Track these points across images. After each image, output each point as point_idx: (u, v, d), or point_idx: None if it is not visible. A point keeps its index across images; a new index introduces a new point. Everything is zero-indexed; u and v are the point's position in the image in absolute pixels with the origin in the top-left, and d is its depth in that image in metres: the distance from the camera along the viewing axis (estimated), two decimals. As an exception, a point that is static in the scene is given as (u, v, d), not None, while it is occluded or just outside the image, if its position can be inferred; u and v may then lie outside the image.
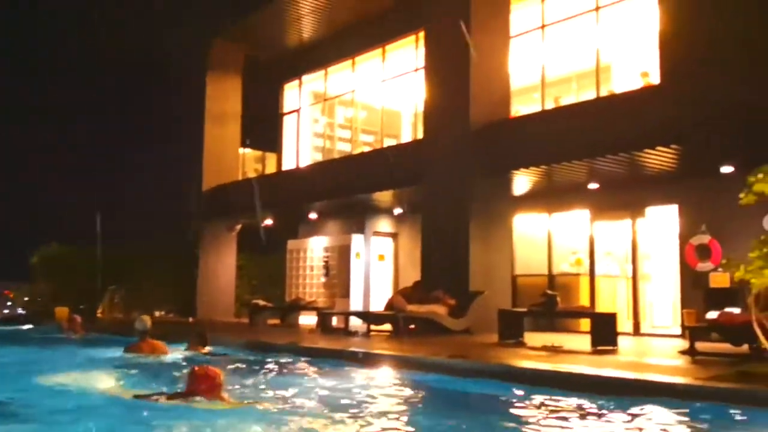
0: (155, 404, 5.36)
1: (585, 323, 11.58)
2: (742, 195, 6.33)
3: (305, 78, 20.91)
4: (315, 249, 19.30)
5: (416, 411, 5.89)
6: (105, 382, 6.93)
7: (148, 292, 21.47)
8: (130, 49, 22.33)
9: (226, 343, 10.89)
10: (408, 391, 6.91)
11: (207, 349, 9.96)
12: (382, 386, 7.16)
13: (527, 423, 5.24)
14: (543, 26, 14.23)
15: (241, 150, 21.92)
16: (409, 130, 19.49)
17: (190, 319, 18.69)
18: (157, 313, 21.09)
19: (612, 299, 14.01)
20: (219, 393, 5.36)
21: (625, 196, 13.62)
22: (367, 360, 8.47)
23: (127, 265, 21.06)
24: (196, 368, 5.50)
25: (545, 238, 14.99)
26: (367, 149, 18.95)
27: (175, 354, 9.46)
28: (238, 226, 20.73)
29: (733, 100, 9.90)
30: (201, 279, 20.16)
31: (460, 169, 13.42)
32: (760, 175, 6.21)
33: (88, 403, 5.79)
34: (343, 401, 6.11)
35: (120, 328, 13.59)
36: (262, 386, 7.11)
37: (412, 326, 12.65)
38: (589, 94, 13.72)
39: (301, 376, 7.83)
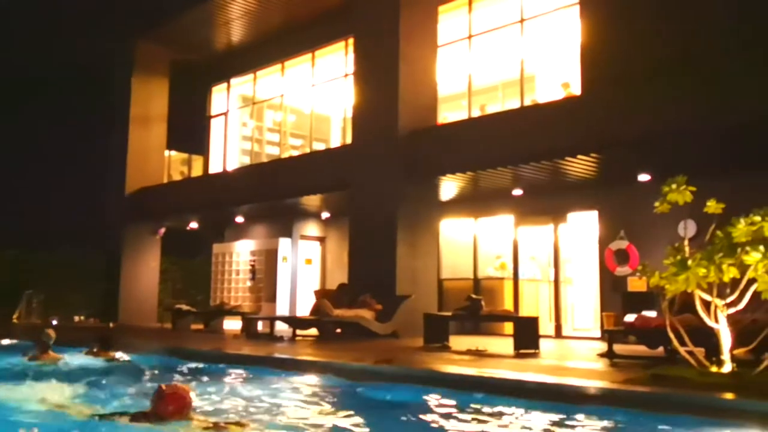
0: (119, 425, 4.90)
1: (509, 326, 11.83)
2: (657, 204, 6.58)
3: (234, 81, 20.67)
4: (241, 253, 19.04)
5: (339, 417, 5.88)
6: (31, 393, 6.56)
7: (68, 296, 20.74)
8: (52, 52, 21.51)
9: (144, 349, 10.60)
10: (332, 398, 6.88)
11: (112, 354, 9.66)
12: (307, 393, 7.11)
13: (448, 428, 5.29)
14: (470, 36, 14.50)
15: (167, 152, 21.45)
16: (338, 134, 19.49)
17: (111, 325, 18.13)
18: (77, 318, 20.41)
19: (535, 302, 14.35)
20: (188, 413, 4.95)
21: (547, 202, 13.98)
22: (292, 366, 8.40)
23: (47, 268, 20.29)
24: (164, 386, 4.99)
25: (471, 242, 15.25)
26: (295, 153, 18.85)
27: (76, 359, 9.18)
28: (162, 230, 20.27)
29: (650, 111, 10.29)
30: (123, 283, 19.61)
31: (387, 174, 13.49)
32: (674, 186, 6.45)
33: (32, 421, 5.34)
34: (265, 409, 6.04)
35: (34, 334, 13.06)
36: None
37: (339, 330, 12.63)
38: (514, 103, 14.04)
39: (222, 383, 7.68)
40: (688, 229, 9.18)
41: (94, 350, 9.68)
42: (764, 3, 10.51)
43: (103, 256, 20.35)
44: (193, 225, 20.44)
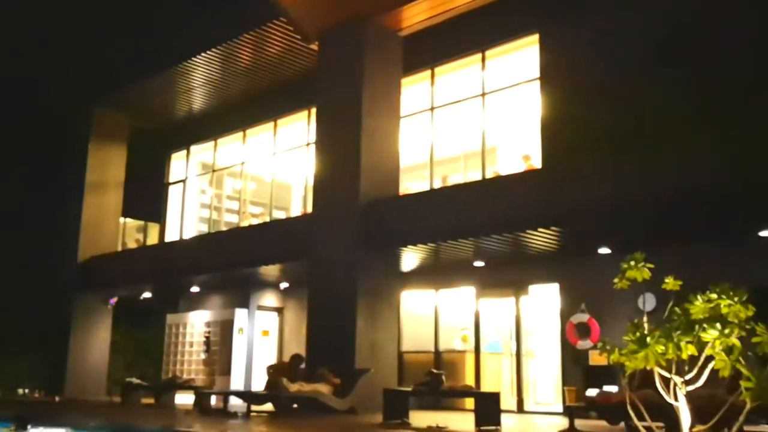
0: None
1: (470, 401, 11.53)
2: (616, 280, 6.51)
3: (194, 148, 20.52)
4: (196, 324, 18.50)
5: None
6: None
7: (12, 367, 19.78)
8: (8, 111, 21.15)
9: (83, 426, 10.01)
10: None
11: None
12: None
13: None
14: (432, 108, 14.64)
15: (122, 219, 21.01)
16: (299, 202, 19.36)
17: (57, 398, 17.30)
18: (20, 391, 19.45)
19: (497, 376, 14.08)
20: None
21: (509, 274, 13.89)
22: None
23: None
24: None
25: (432, 315, 15.02)
26: (255, 221, 18.61)
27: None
28: (114, 299, 19.64)
29: (608, 185, 10.38)
30: (72, 354, 18.81)
31: (347, 244, 13.32)
32: (632, 262, 6.41)
33: None
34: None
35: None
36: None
37: (295, 405, 12.18)
38: (476, 174, 14.10)
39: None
40: (647, 302, 9.15)
41: (13, 429, 9.08)
42: (716, 76, 10.85)
43: (51, 325, 19.58)
44: (147, 294, 19.87)
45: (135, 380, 15.93)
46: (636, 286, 6.72)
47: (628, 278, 6.48)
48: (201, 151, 20.51)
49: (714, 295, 5.90)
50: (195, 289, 18.85)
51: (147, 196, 21.03)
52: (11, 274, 20.45)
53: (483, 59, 13.98)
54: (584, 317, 12.36)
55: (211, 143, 19.90)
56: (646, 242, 6.90)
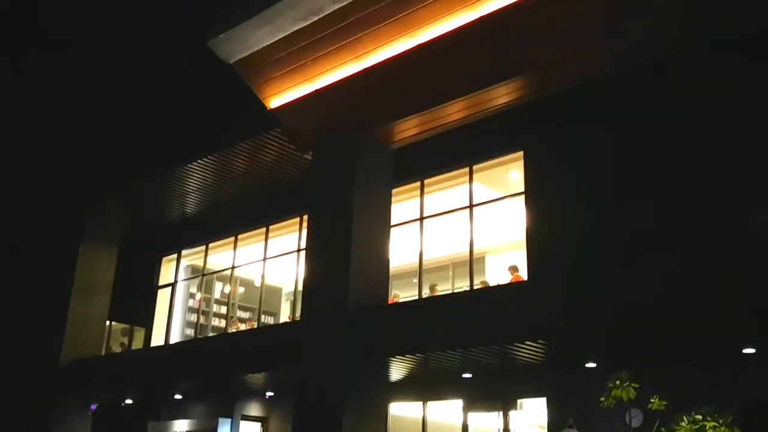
0: None
1: None
2: (602, 399, 6.56)
3: (185, 252, 20.62)
4: (178, 433, 18.02)
5: None
6: None
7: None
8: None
9: None
10: None
11: None
12: None
13: None
14: (422, 218, 14.93)
15: (108, 322, 20.80)
16: (287, 307, 19.33)
17: None
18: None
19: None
20: None
21: (497, 386, 13.75)
22: None
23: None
24: None
25: (419, 427, 14.73)
26: (243, 326, 18.50)
27: None
28: (95, 406, 19.17)
29: (594, 300, 10.49)
30: (48, 463, 18.17)
31: (335, 353, 13.20)
32: (618, 382, 6.49)
33: None
34: None
35: None
36: None
37: None
38: (464, 281, 14.22)
39: None
40: (634, 418, 9.11)
41: None
42: (697, 195, 11.21)
43: (28, 430, 18.98)
44: (129, 401, 19.44)
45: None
46: (624, 401, 6.76)
47: (614, 397, 6.56)
48: (191, 255, 20.61)
49: (699, 416, 5.97)
50: (178, 396, 18.48)
51: (135, 300, 20.93)
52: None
53: (470, 172, 14.41)
54: (572, 432, 12.18)
55: (202, 247, 20.04)
56: (632, 358, 6.97)
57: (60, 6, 17.84)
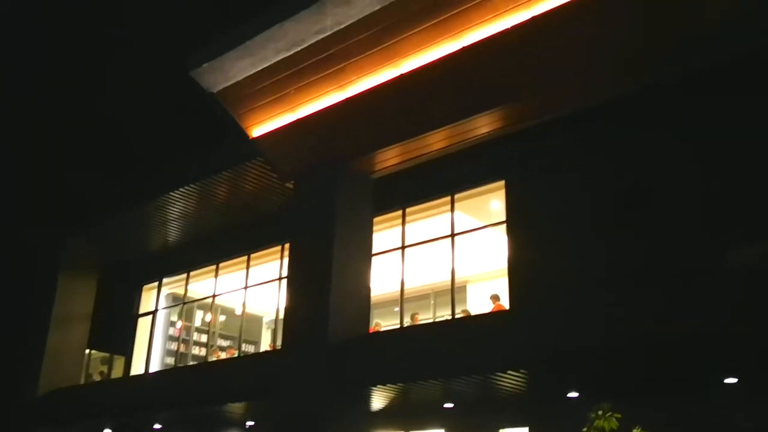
0: None
1: None
2: (585, 429, 6.56)
3: (165, 280, 20.45)
4: (157, 463, 17.73)
5: None
6: None
7: None
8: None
9: None
10: None
11: None
12: None
13: None
14: (403, 247, 14.93)
15: (87, 351, 20.52)
16: (268, 335, 19.19)
17: None
18: None
19: None
20: None
21: (479, 415, 13.68)
22: None
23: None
24: None
25: (401, 458, 14.61)
26: (223, 355, 18.33)
27: None
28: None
29: (576, 330, 10.52)
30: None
31: (315, 382, 13.11)
32: (600, 412, 6.49)
33: None
34: None
35: None
36: None
37: None
38: (446, 310, 14.19)
39: None
40: (619, 450, 9.06)
41: None
42: (678, 227, 11.30)
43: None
44: (108, 431, 19.11)
45: None
46: (605, 433, 6.76)
47: (596, 428, 6.55)
48: (172, 283, 20.44)
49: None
50: (157, 426, 18.21)
51: (115, 328, 20.67)
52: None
53: (452, 201, 14.46)
54: (555, 463, 12.12)
55: (183, 276, 19.89)
56: (614, 388, 6.98)
57: (38, 36, 17.86)
